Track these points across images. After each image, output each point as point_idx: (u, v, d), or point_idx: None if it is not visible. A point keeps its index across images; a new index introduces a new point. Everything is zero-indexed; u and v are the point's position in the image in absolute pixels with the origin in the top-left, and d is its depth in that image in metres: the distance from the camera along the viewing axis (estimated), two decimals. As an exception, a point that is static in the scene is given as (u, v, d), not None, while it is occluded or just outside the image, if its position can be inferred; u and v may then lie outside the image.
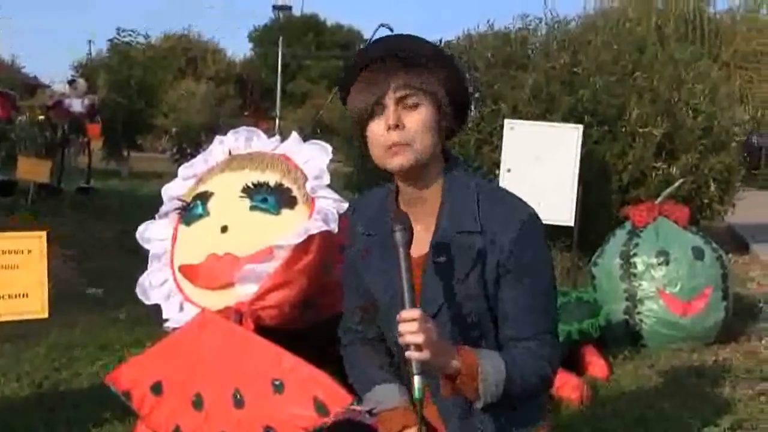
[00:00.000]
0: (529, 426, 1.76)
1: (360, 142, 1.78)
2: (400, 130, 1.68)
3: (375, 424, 1.77)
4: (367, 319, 1.86)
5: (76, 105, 10.24)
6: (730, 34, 19.16)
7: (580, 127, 6.18)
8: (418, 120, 1.69)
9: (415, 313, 1.54)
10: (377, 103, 1.70)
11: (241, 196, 2.50)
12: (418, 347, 1.52)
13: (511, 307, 1.68)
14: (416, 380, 1.53)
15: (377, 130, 1.71)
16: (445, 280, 1.70)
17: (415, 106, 1.69)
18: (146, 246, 2.66)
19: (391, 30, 2.90)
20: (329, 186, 2.52)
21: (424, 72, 1.71)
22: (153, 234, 2.66)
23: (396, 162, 1.70)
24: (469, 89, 1.80)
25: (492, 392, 1.62)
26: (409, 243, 1.64)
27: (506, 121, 6.30)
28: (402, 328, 1.53)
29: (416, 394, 1.54)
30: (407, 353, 1.53)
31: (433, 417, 1.79)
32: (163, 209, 2.69)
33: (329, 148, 2.61)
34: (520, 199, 1.74)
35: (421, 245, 1.73)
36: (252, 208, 2.47)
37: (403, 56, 1.71)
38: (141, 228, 2.66)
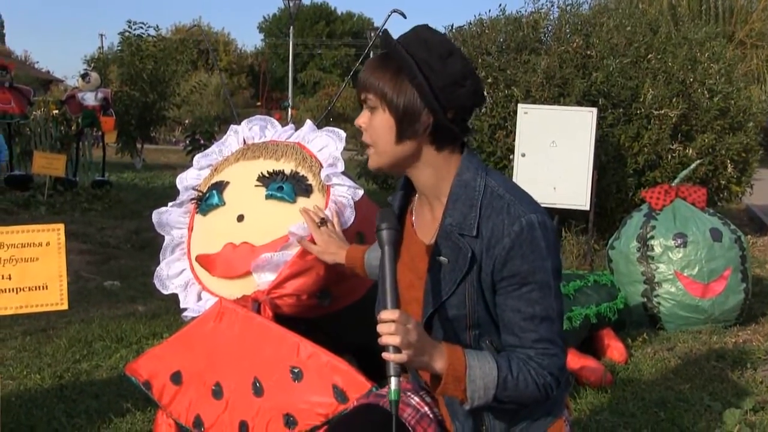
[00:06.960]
0: (541, 420, 1.71)
1: None
2: (365, 130, 1.68)
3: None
4: None
5: (90, 98, 10.25)
6: (745, 13, 18.90)
7: (595, 109, 6.14)
8: (375, 124, 1.66)
9: (394, 314, 1.49)
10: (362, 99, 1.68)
11: (257, 185, 2.49)
12: (397, 349, 1.49)
13: (509, 315, 1.62)
14: (392, 382, 1.50)
15: None
16: (445, 277, 1.66)
17: (373, 109, 1.66)
18: (162, 232, 2.66)
19: (404, 15, 2.86)
20: (344, 173, 2.51)
21: (391, 75, 1.62)
22: (169, 221, 2.65)
23: (369, 162, 1.71)
24: (436, 104, 1.59)
25: (480, 395, 1.56)
26: (396, 242, 1.61)
27: (520, 106, 6.27)
28: (380, 328, 1.50)
29: (392, 395, 1.50)
30: (383, 354, 1.50)
31: (443, 411, 1.78)
32: (178, 199, 2.69)
33: (343, 134, 2.60)
34: (525, 203, 1.63)
35: (431, 235, 1.71)
36: (268, 196, 2.46)
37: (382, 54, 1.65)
38: (155, 215, 2.66)
